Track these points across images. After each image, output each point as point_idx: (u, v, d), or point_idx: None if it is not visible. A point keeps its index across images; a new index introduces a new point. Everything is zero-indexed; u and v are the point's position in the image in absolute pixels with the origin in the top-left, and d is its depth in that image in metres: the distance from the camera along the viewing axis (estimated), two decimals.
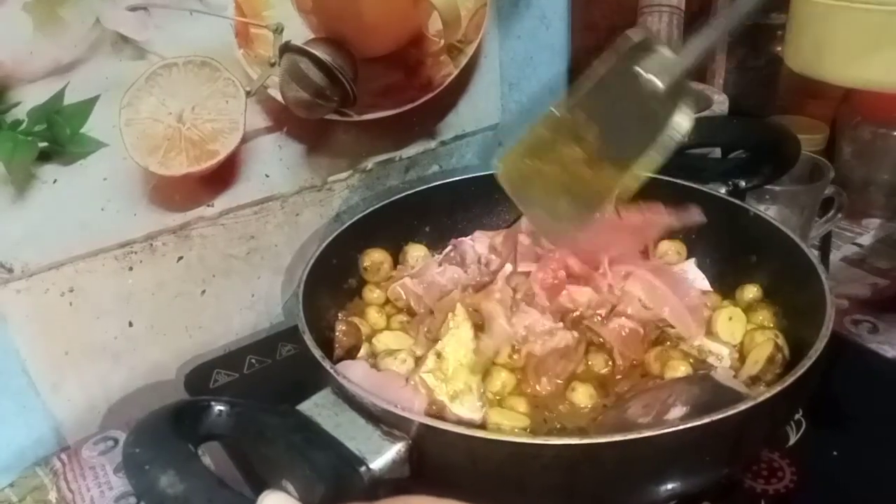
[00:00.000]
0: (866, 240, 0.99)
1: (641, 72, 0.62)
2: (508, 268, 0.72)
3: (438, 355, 0.59)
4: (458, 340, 0.60)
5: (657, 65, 0.62)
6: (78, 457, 0.74)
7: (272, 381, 0.78)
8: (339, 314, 0.72)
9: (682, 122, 0.61)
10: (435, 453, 0.50)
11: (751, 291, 0.71)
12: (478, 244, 0.79)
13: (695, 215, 0.71)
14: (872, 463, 0.64)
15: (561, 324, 0.66)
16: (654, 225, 0.71)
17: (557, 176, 0.65)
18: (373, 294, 0.75)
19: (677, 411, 0.52)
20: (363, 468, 0.47)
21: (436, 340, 0.62)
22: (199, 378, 0.79)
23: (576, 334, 0.65)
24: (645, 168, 0.62)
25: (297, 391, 0.55)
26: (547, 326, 0.65)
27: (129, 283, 0.77)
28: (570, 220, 0.65)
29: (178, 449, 0.45)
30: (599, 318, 0.67)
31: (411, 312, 0.73)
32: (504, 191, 0.82)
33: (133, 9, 0.69)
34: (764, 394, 0.50)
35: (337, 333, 0.66)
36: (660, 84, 0.62)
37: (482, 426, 0.57)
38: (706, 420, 0.48)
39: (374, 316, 0.72)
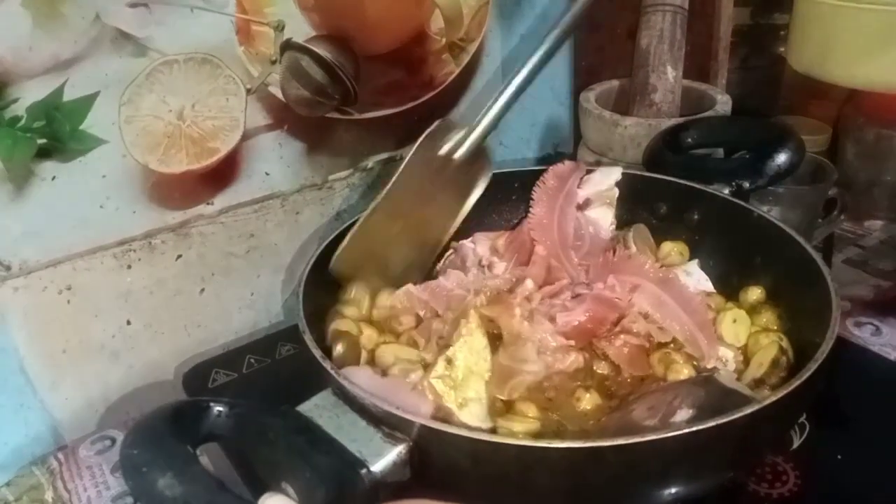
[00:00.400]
0: (869, 241, 0.99)
1: (440, 150, 0.77)
2: (529, 284, 0.70)
3: (449, 361, 0.58)
4: (469, 348, 0.59)
5: (454, 140, 0.77)
6: (75, 456, 0.73)
7: (271, 380, 0.78)
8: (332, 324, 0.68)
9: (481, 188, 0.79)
10: (436, 455, 0.50)
11: (755, 293, 0.70)
12: (479, 246, 0.78)
13: None
14: (876, 466, 0.63)
15: (573, 342, 0.64)
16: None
17: (386, 250, 0.75)
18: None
19: (683, 414, 0.52)
20: (364, 470, 0.47)
21: (447, 346, 0.61)
22: (198, 377, 0.79)
23: (587, 355, 0.64)
24: (459, 220, 0.79)
25: (297, 391, 0.54)
26: (561, 345, 0.63)
27: (127, 281, 0.77)
28: (407, 278, 0.73)
29: (177, 450, 0.44)
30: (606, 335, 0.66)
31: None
32: (504, 192, 0.83)
33: (133, 5, 0.69)
34: (770, 397, 0.49)
35: (337, 348, 0.64)
36: (456, 158, 0.77)
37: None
38: (711, 423, 0.47)
39: (372, 336, 0.68)
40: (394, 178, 0.75)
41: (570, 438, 0.52)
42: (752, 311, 0.68)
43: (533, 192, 0.79)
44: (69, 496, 0.69)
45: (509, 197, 0.84)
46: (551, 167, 0.80)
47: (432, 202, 0.78)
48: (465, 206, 0.79)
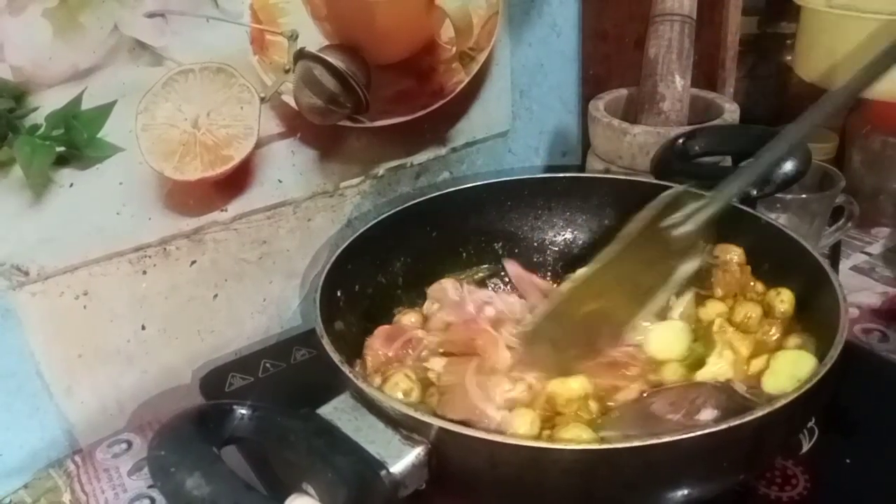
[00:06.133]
0: (876, 249, 0.99)
1: (665, 221, 0.65)
2: (489, 312, 0.71)
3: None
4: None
5: (684, 215, 0.65)
6: (92, 459, 0.74)
7: (287, 384, 0.78)
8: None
9: (687, 271, 0.65)
10: (454, 457, 0.50)
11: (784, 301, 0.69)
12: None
13: None
14: (884, 470, 0.64)
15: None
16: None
17: (577, 327, 0.66)
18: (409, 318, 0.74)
19: (708, 413, 0.52)
20: (384, 472, 0.48)
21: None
22: (214, 382, 0.79)
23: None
24: (649, 308, 0.65)
25: (313, 395, 0.55)
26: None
27: (142, 286, 0.78)
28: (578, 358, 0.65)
29: (203, 451, 0.45)
30: None
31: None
32: (513, 199, 0.84)
33: (151, 15, 0.70)
34: (781, 400, 0.50)
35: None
36: (673, 234, 0.65)
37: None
38: (724, 426, 0.48)
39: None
40: (610, 248, 0.66)
41: (587, 440, 0.53)
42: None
43: None
44: (87, 499, 0.70)
45: (518, 204, 0.85)
46: None
47: (633, 274, 0.66)
48: (662, 289, 0.65)
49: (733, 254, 0.73)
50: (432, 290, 0.77)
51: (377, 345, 0.68)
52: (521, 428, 0.56)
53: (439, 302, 0.75)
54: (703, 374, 0.62)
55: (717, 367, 0.62)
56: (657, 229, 0.65)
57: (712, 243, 0.70)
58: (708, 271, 0.71)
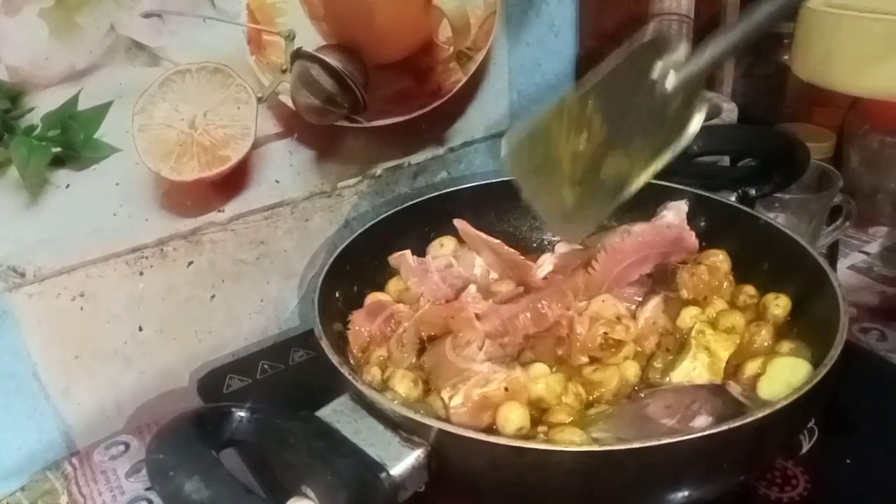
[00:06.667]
0: (874, 248, 0.99)
1: (652, 71, 0.60)
2: (472, 289, 0.71)
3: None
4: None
5: (669, 65, 0.60)
6: (89, 461, 0.74)
7: (285, 386, 0.78)
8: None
9: (694, 128, 0.59)
10: (453, 459, 0.50)
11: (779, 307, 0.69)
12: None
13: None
14: (884, 470, 0.64)
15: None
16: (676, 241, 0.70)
17: (564, 166, 0.63)
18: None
19: (702, 420, 0.52)
20: (384, 474, 0.48)
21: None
22: (212, 383, 0.79)
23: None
24: (653, 169, 0.60)
25: (311, 397, 0.55)
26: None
27: (139, 287, 0.78)
28: (578, 219, 0.63)
29: (202, 455, 0.45)
30: None
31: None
32: (516, 197, 0.84)
33: (147, 15, 0.70)
34: (781, 401, 0.50)
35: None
36: (667, 86, 0.59)
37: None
38: (724, 427, 0.48)
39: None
40: (593, 78, 0.62)
41: (587, 443, 0.53)
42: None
43: None
44: (84, 501, 0.69)
45: (516, 204, 0.84)
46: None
47: (627, 131, 0.61)
48: (662, 155, 0.60)
49: (716, 257, 0.73)
50: (393, 258, 0.78)
51: (359, 322, 0.70)
52: (513, 414, 0.56)
53: (400, 269, 0.77)
54: (677, 378, 0.62)
55: (694, 371, 0.62)
56: (647, 81, 0.60)
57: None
58: (673, 272, 0.72)
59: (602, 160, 0.62)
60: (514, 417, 0.56)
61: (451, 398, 0.57)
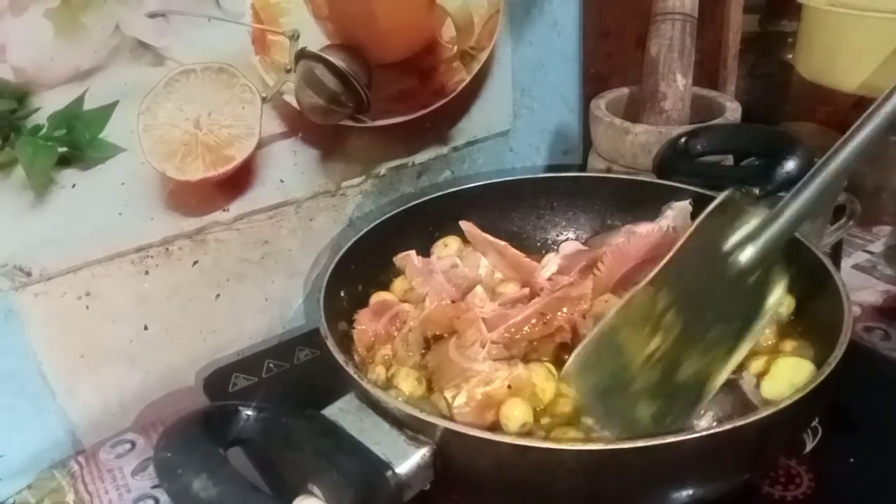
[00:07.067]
0: (877, 247, 0.99)
1: (725, 243, 0.56)
2: (479, 291, 0.72)
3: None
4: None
5: (744, 234, 0.56)
6: (95, 459, 0.74)
7: (291, 385, 0.78)
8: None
9: (777, 301, 0.56)
10: (459, 458, 0.50)
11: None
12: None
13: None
14: (888, 469, 0.64)
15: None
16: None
17: (638, 377, 0.55)
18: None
19: (707, 420, 0.53)
20: (389, 472, 0.48)
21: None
22: (218, 382, 0.79)
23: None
24: (735, 361, 0.55)
25: (316, 395, 0.55)
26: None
27: (144, 286, 0.78)
28: (657, 426, 0.53)
29: (210, 453, 0.45)
30: None
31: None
32: (515, 199, 0.84)
33: (152, 15, 0.70)
34: (785, 401, 0.50)
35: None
36: (742, 260, 0.56)
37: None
38: (729, 426, 0.48)
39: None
40: (660, 265, 0.58)
41: (592, 441, 0.53)
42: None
43: None
44: (90, 499, 0.70)
45: (520, 203, 0.85)
46: None
47: (703, 320, 0.56)
48: (744, 342, 0.55)
49: None
50: (397, 258, 0.78)
51: (364, 321, 0.70)
52: (516, 410, 0.57)
53: (405, 269, 0.77)
54: None
55: None
56: (719, 255, 0.56)
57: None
58: None
59: (679, 361, 0.55)
60: (517, 414, 0.56)
61: (454, 397, 0.58)
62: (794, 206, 0.55)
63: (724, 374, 0.55)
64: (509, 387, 0.58)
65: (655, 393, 0.54)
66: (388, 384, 0.62)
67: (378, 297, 0.74)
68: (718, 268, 0.56)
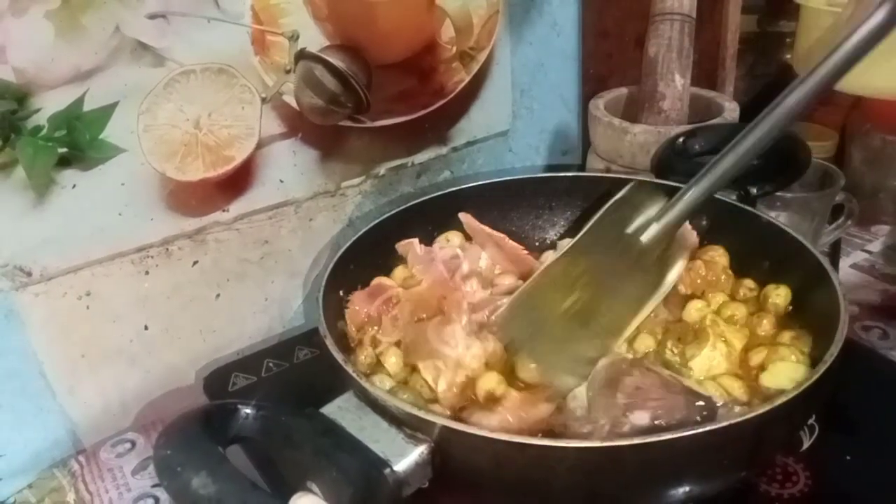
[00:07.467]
0: (876, 247, 1.00)
1: (629, 225, 0.66)
2: (465, 267, 0.75)
3: None
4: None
5: (643, 219, 0.65)
6: (96, 459, 0.75)
7: (290, 384, 0.79)
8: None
9: (673, 276, 0.66)
10: (457, 456, 0.51)
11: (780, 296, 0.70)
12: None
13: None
14: (885, 468, 0.64)
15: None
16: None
17: (558, 326, 0.65)
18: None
19: (640, 416, 0.54)
20: (388, 470, 0.48)
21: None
22: (218, 381, 0.80)
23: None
24: (641, 316, 0.65)
25: (316, 394, 0.55)
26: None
27: (144, 286, 0.78)
28: (574, 372, 0.62)
29: (209, 451, 0.45)
30: None
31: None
32: (514, 198, 0.84)
33: (152, 16, 0.70)
34: (782, 398, 0.50)
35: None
36: (643, 240, 0.65)
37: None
38: (726, 424, 0.48)
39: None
40: (574, 241, 0.68)
41: (590, 438, 0.53)
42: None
43: None
44: (91, 498, 0.70)
45: (519, 203, 0.85)
46: None
47: (612, 285, 0.65)
48: (650, 301, 0.65)
49: (714, 252, 0.74)
50: (400, 245, 0.78)
51: (358, 302, 0.71)
52: (487, 384, 0.60)
53: (406, 256, 0.78)
54: (697, 366, 0.62)
55: (713, 361, 0.62)
56: (625, 235, 0.66)
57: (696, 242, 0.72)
58: None
59: (593, 315, 0.65)
60: (485, 386, 0.61)
61: (434, 381, 0.61)
62: (691, 194, 0.62)
63: (630, 328, 0.65)
64: (486, 364, 0.62)
65: (572, 338, 0.64)
66: (377, 364, 0.65)
67: (377, 280, 0.74)
68: (625, 243, 0.65)
